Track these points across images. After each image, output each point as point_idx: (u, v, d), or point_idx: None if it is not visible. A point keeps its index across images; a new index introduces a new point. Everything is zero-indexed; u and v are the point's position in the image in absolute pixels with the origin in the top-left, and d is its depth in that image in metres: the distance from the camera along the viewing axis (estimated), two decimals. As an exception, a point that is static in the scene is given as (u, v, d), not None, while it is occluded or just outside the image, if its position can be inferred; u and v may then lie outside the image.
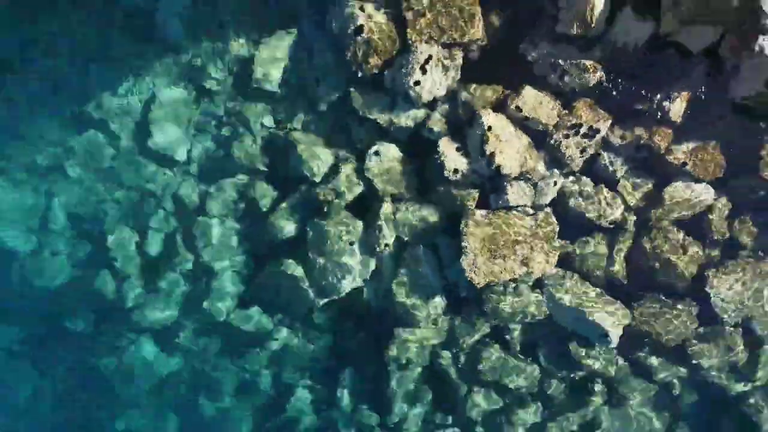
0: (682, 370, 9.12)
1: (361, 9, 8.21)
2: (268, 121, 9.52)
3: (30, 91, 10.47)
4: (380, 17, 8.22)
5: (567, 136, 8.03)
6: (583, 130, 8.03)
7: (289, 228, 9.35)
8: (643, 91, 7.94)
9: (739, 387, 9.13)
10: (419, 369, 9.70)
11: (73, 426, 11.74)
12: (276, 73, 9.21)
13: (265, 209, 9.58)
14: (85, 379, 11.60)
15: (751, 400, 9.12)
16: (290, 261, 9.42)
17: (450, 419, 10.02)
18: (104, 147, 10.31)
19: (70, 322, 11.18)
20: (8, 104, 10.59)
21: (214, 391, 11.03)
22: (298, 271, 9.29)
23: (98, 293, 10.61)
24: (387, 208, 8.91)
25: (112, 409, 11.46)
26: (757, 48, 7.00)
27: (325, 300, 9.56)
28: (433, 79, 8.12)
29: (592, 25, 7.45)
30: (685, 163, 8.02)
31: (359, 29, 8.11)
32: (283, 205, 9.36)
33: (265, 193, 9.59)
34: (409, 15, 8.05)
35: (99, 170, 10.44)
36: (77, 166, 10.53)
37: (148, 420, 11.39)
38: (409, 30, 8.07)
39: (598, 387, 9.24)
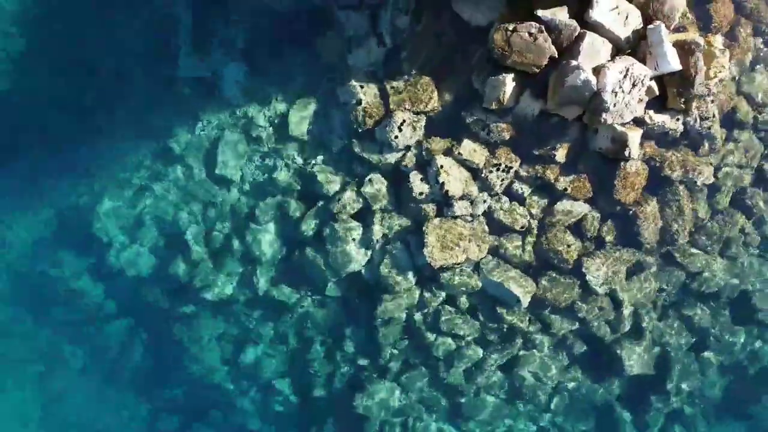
0: (573, 325, 12.44)
1: (360, 87, 11.71)
2: (299, 157, 12.68)
3: (128, 128, 13.60)
4: (372, 93, 11.66)
5: (491, 171, 11.32)
6: (502, 167, 11.29)
7: (312, 229, 12.37)
8: (539, 143, 11.24)
9: (610, 335, 12.49)
10: (399, 324, 12.70)
11: (155, 370, 15.15)
12: (304, 126, 12.46)
13: (295, 217, 12.64)
14: (161, 340, 14.87)
15: (618, 345, 12.60)
16: (313, 251, 12.45)
17: (420, 359, 13.17)
18: (182, 171, 13.49)
19: (150, 297, 14.29)
20: (109, 138, 13.76)
21: (256, 344, 14.08)
22: (318, 258, 12.38)
23: (173, 276, 13.69)
24: (377, 216, 11.89)
25: (183, 358, 14.64)
26: (602, 120, 10.53)
27: (336, 278, 12.67)
28: (406, 134, 11.43)
29: (504, 103, 10.81)
30: (566, 189, 11.51)
31: (359, 101, 11.58)
32: (308, 214, 12.41)
33: (295, 206, 12.66)
34: (390, 92, 11.48)
35: (178, 188, 13.58)
36: (161, 184, 13.64)
37: (209, 364, 14.51)
38: (390, 102, 11.44)
39: (517, 336, 12.58)
